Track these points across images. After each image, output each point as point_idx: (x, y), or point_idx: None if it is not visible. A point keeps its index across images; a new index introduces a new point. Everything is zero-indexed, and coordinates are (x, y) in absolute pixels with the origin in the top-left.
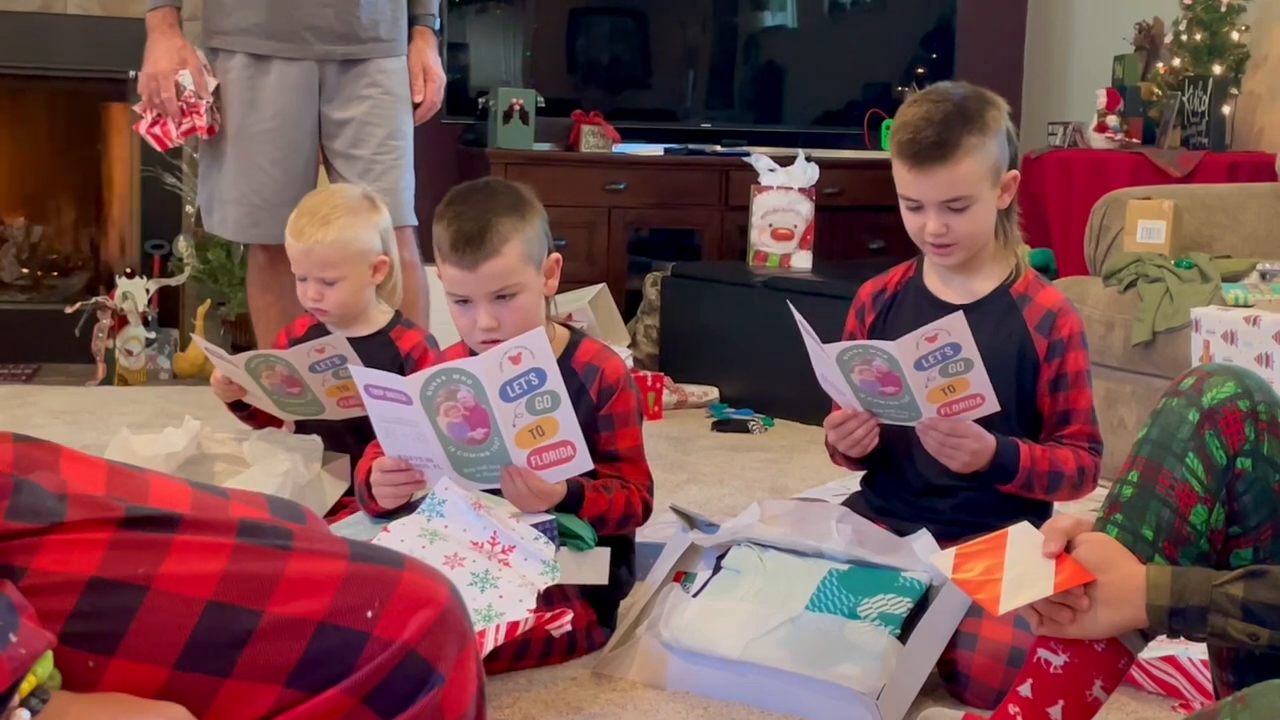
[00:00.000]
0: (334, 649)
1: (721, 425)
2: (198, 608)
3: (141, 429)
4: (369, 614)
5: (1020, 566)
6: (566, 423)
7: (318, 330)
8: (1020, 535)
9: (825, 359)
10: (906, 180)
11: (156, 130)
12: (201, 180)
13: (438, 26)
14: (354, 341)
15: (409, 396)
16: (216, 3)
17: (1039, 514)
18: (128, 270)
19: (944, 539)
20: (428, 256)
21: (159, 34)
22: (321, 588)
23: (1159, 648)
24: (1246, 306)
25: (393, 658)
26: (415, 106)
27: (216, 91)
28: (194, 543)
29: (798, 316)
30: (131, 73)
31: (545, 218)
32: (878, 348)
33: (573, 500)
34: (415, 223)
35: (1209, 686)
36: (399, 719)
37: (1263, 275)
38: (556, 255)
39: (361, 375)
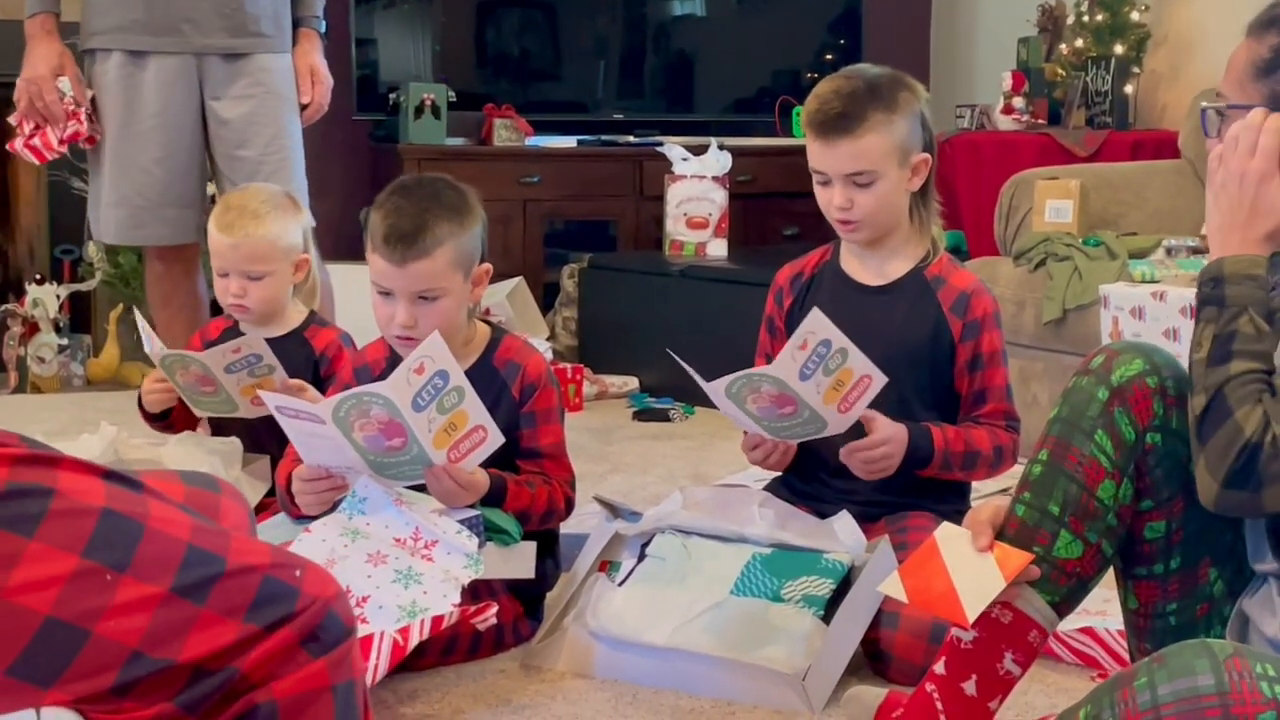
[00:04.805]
0: (278, 594)
1: (642, 415)
2: (181, 547)
3: (56, 436)
4: (297, 573)
5: (965, 571)
6: (475, 410)
7: (232, 333)
8: (948, 539)
9: (717, 396)
10: (815, 151)
11: (35, 142)
12: (89, 190)
13: (323, 29)
14: (269, 341)
15: (322, 419)
16: (93, 3)
17: (957, 491)
18: (37, 277)
19: (864, 520)
20: (335, 255)
21: (37, 40)
22: (259, 549)
23: (1076, 619)
24: (1153, 282)
25: (320, 610)
26: (303, 108)
27: (93, 102)
28: (164, 505)
29: (683, 364)
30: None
31: (485, 225)
32: (760, 374)
33: (496, 495)
34: (313, 223)
35: (1126, 656)
36: (328, 657)
37: (1168, 251)
38: (487, 266)
39: (272, 399)
